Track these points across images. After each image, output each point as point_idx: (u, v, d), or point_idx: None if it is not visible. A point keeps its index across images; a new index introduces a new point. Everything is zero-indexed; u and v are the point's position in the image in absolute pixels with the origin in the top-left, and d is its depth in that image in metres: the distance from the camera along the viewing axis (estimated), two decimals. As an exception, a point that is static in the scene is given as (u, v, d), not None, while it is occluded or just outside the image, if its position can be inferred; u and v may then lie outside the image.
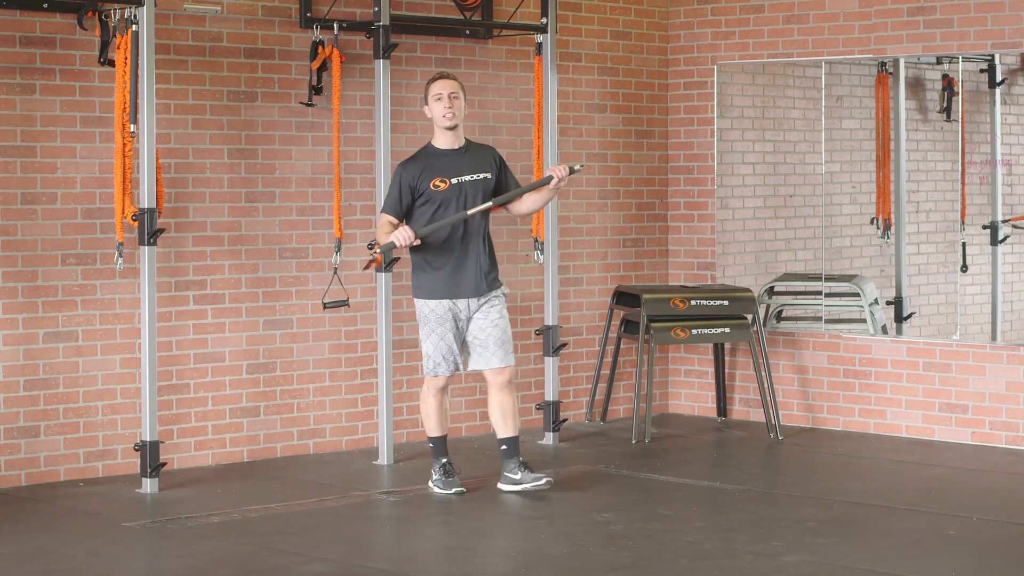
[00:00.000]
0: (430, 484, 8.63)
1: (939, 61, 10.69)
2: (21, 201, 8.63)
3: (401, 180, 8.43)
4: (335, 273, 9.54)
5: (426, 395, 8.62)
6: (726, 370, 11.01)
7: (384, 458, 9.40)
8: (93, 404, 8.86)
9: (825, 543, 7.49)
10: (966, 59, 10.50)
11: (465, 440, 10.16)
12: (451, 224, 8.42)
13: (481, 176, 8.52)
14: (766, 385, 10.34)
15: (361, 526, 8.01)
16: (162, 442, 8.72)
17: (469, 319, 8.52)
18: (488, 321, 8.52)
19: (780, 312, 11.21)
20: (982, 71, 10.58)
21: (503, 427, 8.60)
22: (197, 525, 7.84)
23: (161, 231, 8.50)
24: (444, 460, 8.61)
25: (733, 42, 10.98)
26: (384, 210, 8.50)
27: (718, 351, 10.95)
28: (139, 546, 7.56)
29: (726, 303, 10.34)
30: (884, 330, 10.79)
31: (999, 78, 10.50)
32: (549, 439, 10.10)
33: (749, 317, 10.40)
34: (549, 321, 10.10)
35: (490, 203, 8.50)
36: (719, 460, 9.82)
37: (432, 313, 8.48)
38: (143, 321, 8.51)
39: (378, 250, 8.40)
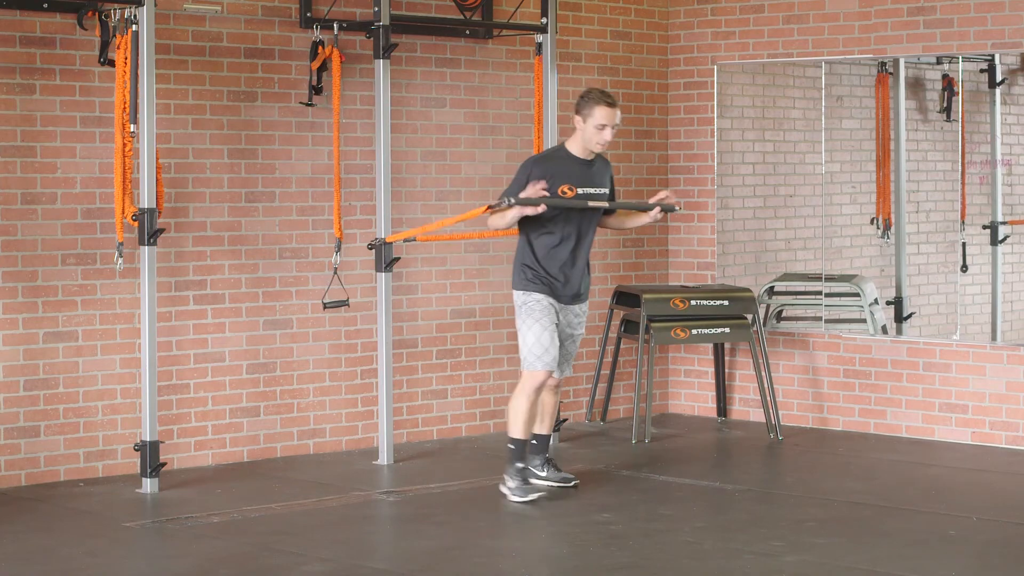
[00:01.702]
0: (504, 490, 8.36)
1: (939, 61, 10.69)
2: (21, 201, 8.63)
3: (530, 174, 8.28)
4: (335, 273, 9.54)
5: (521, 392, 8.32)
6: (726, 370, 11.01)
7: (384, 458, 9.40)
8: (93, 404, 8.86)
9: (825, 543, 7.49)
10: (966, 59, 10.50)
11: (465, 440, 10.16)
12: (573, 207, 8.30)
13: (602, 191, 8.43)
14: (766, 385, 10.34)
15: (361, 526, 8.01)
16: (162, 442, 8.72)
17: (558, 322, 8.44)
18: (572, 338, 8.50)
19: (780, 312, 11.20)
20: (982, 71, 10.58)
21: (539, 424, 8.59)
22: (197, 525, 7.84)
23: (161, 231, 8.50)
24: (522, 465, 8.36)
25: (733, 42, 10.98)
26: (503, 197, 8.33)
27: (718, 351, 10.95)
28: (139, 546, 7.56)
29: (726, 303, 10.34)
30: (884, 330, 10.79)
31: (999, 78, 10.50)
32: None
33: (749, 317, 10.39)
34: (549, 321, 10.10)
35: (606, 205, 8.42)
36: (719, 460, 9.83)
37: (537, 304, 8.34)
38: (143, 321, 8.51)
39: (512, 200, 8.16)
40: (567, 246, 8.37)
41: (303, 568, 7.03)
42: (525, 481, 8.34)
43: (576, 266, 8.41)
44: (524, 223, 8.34)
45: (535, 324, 8.32)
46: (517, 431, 8.35)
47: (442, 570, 7.07)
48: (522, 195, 8.21)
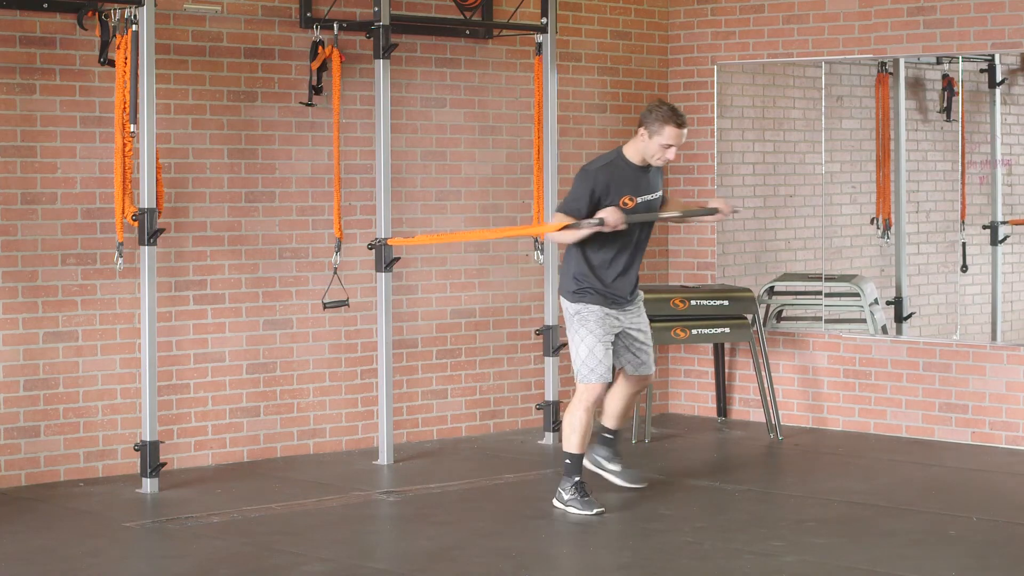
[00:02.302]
0: (560, 505, 8.14)
1: (939, 61, 10.69)
2: (21, 201, 8.63)
3: (594, 186, 8.04)
4: (335, 273, 9.54)
5: (577, 407, 8.10)
6: (726, 370, 11.01)
7: (384, 458, 9.40)
8: (93, 404, 8.86)
9: (825, 543, 7.49)
10: (966, 59, 10.50)
11: (465, 440, 10.16)
12: (649, 220, 8.21)
13: (658, 195, 8.28)
14: (766, 385, 10.33)
15: (361, 526, 8.01)
16: (162, 442, 8.72)
17: (618, 326, 8.28)
18: (642, 332, 8.33)
19: (780, 312, 11.21)
20: (982, 71, 10.58)
21: (616, 421, 8.54)
22: (197, 525, 7.84)
23: (161, 231, 8.50)
24: (578, 479, 8.11)
25: (733, 42, 10.98)
26: (561, 209, 8.11)
27: (718, 351, 10.95)
28: (139, 546, 7.56)
29: (726, 303, 10.33)
30: (884, 330, 10.79)
31: (999, 78, 10.50)
32: (549, 439, 10.10)
33: (749, 317, 10.39)
34: (549, 321, 10.10)
35: (677, 213, 8.37)
36: (719, 460, 9.83)
37: (592, 314, 8.15)
38: (143, 321, 8.51)
39: (594, 221, 7.97)
40: (623, 257, 8.21)
41: (303, 568, 7.03)
42: (584, 494, 8.09)
43: (629, 275, 8.25)
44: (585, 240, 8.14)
45: (588, 335, 8.14)
46: (573, 445, 8.12)
47: (442, 570, 7.07)
48: (600, 215, 7.99)
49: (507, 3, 10.29)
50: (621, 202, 8.08)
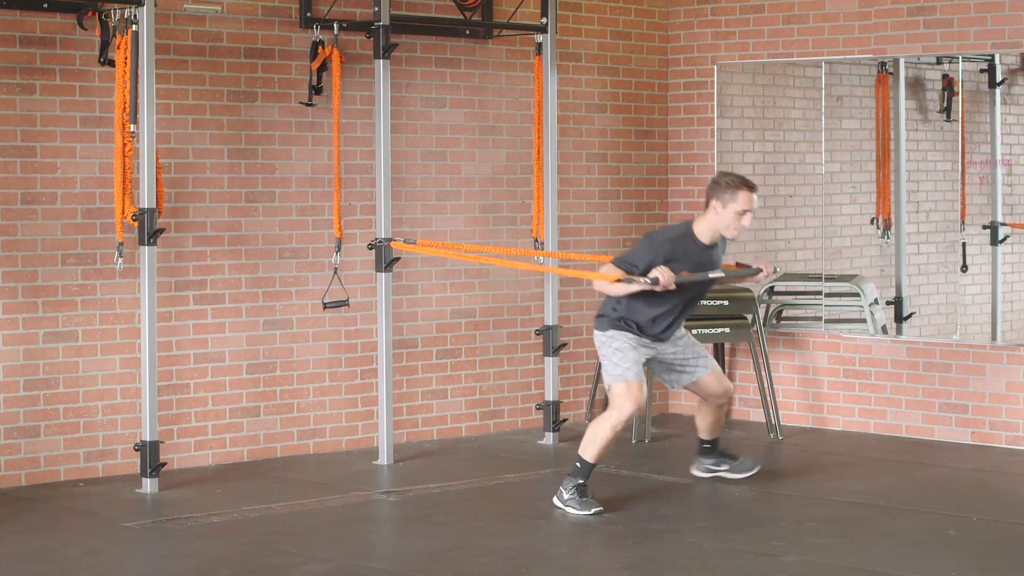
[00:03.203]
0: (559, 504, 8.16)
1: (939, 61, 10.69)
2: (21, 201, 8.63)
3: (657, 254, 8.08)
4: (335, 273, 9.54)
5: (607, 419, 8.11)
6: (726, 370, 11.01)
7: (384, 458, 9.40)
8: (93, 404, 8.86)
9: (825, 543, 7.49)
10: (966, 59, 10.50)
11: (465, 440, 10.16)
12: (698, 281, 8.23)
13: (717, 275, 8.29)
14: (766, 385, 10.34)
15: (361, 526, 8.01)
16: (162, 442, 8.72)
17: (658, 356, 8.36)
18: (675, 351, 8.39)
19: (780, 312, 11.20)
20: (982, 71, 10.58)
21: (708, 432, 8.77)
22: (197, 525, 7.84)
23: (161, 231, 8.50)
24: (582, 482, 8.12)
25: (733, 42, 10.98)
26: (618, 263, 8.16)
27: (718, 351, 10.95)
28: (139, 546, 7.56)
29: (726, 303, 10.33)
30: (884, 330, 10.79)
31: (999, 78, 10.50)
32: (549, 439, 10.10)
33: (749, 317, 10.39)
34: (549, 321, 10.10)
35: (723, 274, 8.35)
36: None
37: (626, 342, 8.20)
38: (143, 321, 8.51)
39: (647, 280, 8.01)
40: (672, 315, 8.26)
41: (303, 568, 7.03)
42: (583, 495, 8.11)
43: (674, 328, 8.32)
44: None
45: (616, 352, 8.18)
46: (588, 454, 8.13)
47: (442, 570, 7.07)
48: (654, 274, 8.02)
49: (507, 3, 10.29)
50: (679, 273, 8.12)
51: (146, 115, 8.39)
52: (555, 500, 8.20)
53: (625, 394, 8.12)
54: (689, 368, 8.46)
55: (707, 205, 8.15)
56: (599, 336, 8.30)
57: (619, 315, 8.24)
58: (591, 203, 10.90)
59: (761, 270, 8.45)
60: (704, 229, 8.18)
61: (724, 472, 8.82)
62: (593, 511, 8.03)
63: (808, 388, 10.70)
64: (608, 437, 8.09)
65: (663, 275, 8.00)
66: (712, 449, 8.86)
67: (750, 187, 8.09)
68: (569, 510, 8.09)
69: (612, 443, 8.15)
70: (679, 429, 10.64)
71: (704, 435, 8.81)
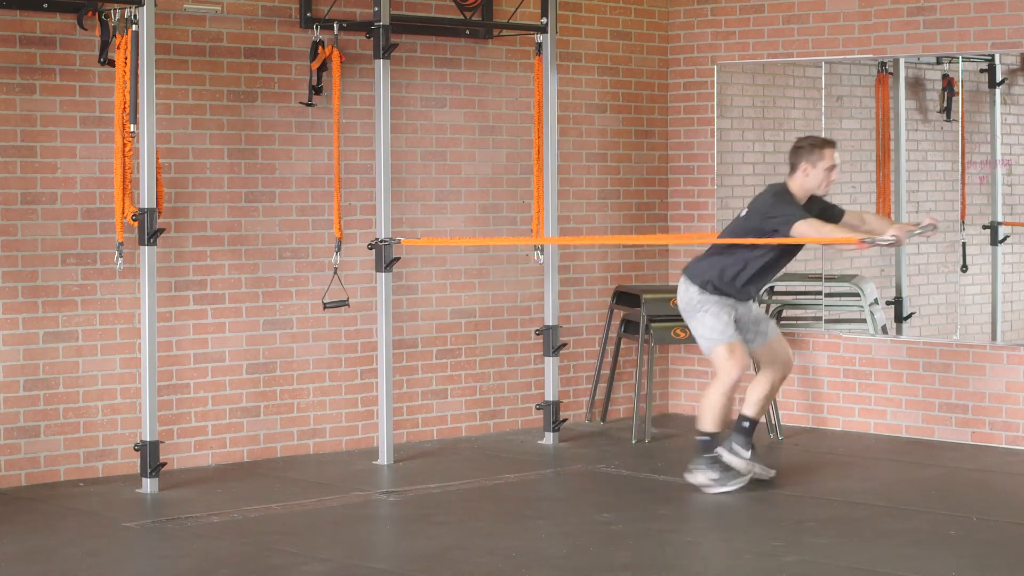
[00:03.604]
0: (697, 481, 8.57)
1: (939, 61, 10.69)
2: (21, 201, 8.63)
3: (795, 199, 8.53)
4: (335, 273, 9.54)
5: (718, 388, 8.54)
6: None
7: (384, 458, 9.40)
8: (93, 404, 8.86)
9: (825, 543, 7.49)
10: (966, 59, 10.50)
11: (465, 440, 10.16)
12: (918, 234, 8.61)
13: (926, 228, 8.62)
14: (766, 385, 10.33)
15: (361, 526, 8.01)
16: (162, 442, 8.72)
17: (739, 316, 8.66)
18: (750, 312, 8.70)
19: (780, 312, 11.20)
20: (982, 71, 10.58)
21: (758, 409, 8.74)
22: (197, 525, 7.84)
23: (161, 231, 8.50)
24: (713, 454, 8.58)
25: (733, 42, 10.98)
26: (802, 217, 8.41)
27: (718, 351, 10.94)
28: (139, 546, 7.56)
29: (726, 303, 10.32)
30: (884, 330, 10.79)
31: (999, 78, 10.50)
32: (549, 439, 10.10)
33: (749, 317, 10.38)
34: (549, 321, 10.10)
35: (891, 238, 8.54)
36: (719, 460, 9.82)
37: (713, 300, 8.54)
38: (143, 321, 8.51)
39: (887, 238, 8.39)
40: (769, 274, 8.68)
41: (303, 568, 7.03)
42: (725, 469, 8.53)
43: (761, 284, 8.72)
44: (746, 248, 8.52)
45: (707, 314, 8.52)
46: (710, 425, 8.56)
47: (442, 570, 7.07)
48: (893, 232, 8.42)
49: (507, 3, 10.29)
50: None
51: (146, 115, 8.39)
52: (689, 477, 8.59)
53: (729, 357, 8.49)
54: (763, 328, 8.74)
55: (795, 169, 8.57)
56: (693, 292, 8.56)
57: (715, 277, 8.54)
58: (591, 203, 10.90)
59: (934, 224, 8.65)
60: (796, 189, 8.58)
61: (752, 460, 8.67)
62: (737, 485, 8.51)
63: (808, 388, 10.70)
64: (722, 404, 8.51)
65: (900, 232, 8.46)
66: (750, 430, 8.71)
67: (832, 144, 8.62)
68: (718, 489, 8.50)
69: (728, 408, 8.54)
70: (679, 429, 10.64)
71: (749, 410, 8.73)
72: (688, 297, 8.59)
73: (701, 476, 8.56)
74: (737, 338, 8.54)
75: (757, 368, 8.86)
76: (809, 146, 8.56)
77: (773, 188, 8.64)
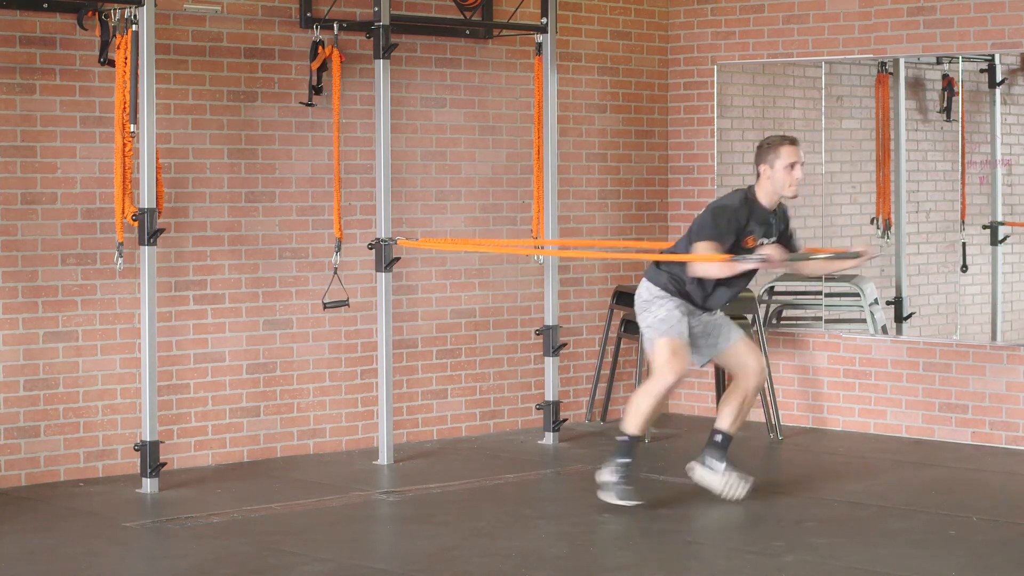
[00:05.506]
0: (602, 482, 8.21)
1: (939, 61, 10.69)
2: (21, 201, 8.63)
3: (736, 219, 8.05)
4: (335, 273, 9.54)
5: (657, 384, 8.08)
6: (726, 370, 10.99)
7: (384, 458, 9.40)
8: (93, 404, 8.86)
9: (825, 543, 7.49)
10: (966, 59, 10.50)
11: (465, 440, 10.16)
12: (800, 261, 8.32)
13: (774, 240, 8.30)
14: (766, 385, 10.33)
15: (361, 526, 8.01)
16: (162, 442, 8.72)
17: (696, 323, 8.30)
18: (710, 320, 8.32)
19: (780, 312, 11.20)
20: (982, 71, 10.58)
21: (731, 421, 8.37)
22: (197, 525, 7.84)
23: (161, 231, 8.50)
24: (628, 461, 8.17)
25: (733, 42, 10.98)
26: (708, 239, 8.02)
27: (718, 351, 10.94)
28: (139, 546, 7.56)
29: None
30: (884, 330, 10.79)
31: (999, 78, 10.50)
32: (549, 439, 10.10)
33: (749, 317, 10.39)
34: (549, 321, 10.10)
35: (829, 255, 8.39)
36: (719, 460, 9.81)
37: (669, 301, 8.14)
38: (143, 321, 8.51)
39: (756, 257, 7.97)
40: (730, 291, 8.23)
41: (303, 568, 7.03)
42: (627, 481, 8.13)
43: (721, 299, 8.26)
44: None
45: (661, 308, 8.13)
46: (632, 426, 8.15)
47: (442, 570, 7.07)
48: (764, 252, 8.01)
49: (507, 3, 10.29)
50: (744, 241, 8.10)
51: (146, 115, 8.39)
52: (598, 478, 8.20)
53: (670, 358, 8.06)
54: (713, 341, 8.33)
55: (758, 175, 8.19)
56: (650, 290, 8.18)
57: (679, 280, 8.15)
58: (591, 203, 10.90)
59: (860, 253, 8.38)
60: (763, 196, 8.20)
61: (726, 471, 8.45)
62: (633, 503, 8.06)
63: (808, 388, 10.70)
64: (650, 406, 8.10)
65: (776, 252, 8.03)
66: (724, 444, 8.40)
67: (791, 140, 8.16)
68: (612, 499, 8.11)
69: (657, 412, 8.15)
70: (679, 429, 10.64)
71: (722, 423, 8.40)
72: (648, 296, 8.21)
73: (606, 475, 8.20)
74: (684, 339, 8.11)
75: (729, 380, 8.57)
76: (766, 145, 8.16)
77: (714, 205, 8.22)
